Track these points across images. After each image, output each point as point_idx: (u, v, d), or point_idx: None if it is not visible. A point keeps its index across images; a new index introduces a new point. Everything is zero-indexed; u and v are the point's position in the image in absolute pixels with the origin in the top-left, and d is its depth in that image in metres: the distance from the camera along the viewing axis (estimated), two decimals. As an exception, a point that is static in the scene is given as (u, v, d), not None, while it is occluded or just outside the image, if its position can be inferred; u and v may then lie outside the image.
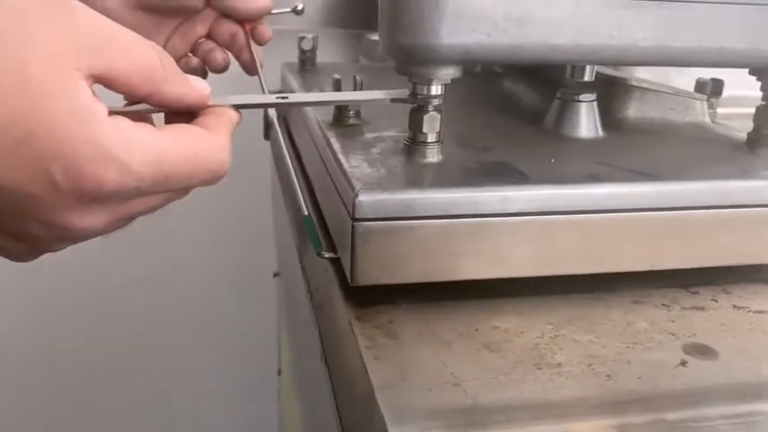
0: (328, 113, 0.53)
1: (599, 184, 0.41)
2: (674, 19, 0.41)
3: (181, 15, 0.55)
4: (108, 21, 0.29)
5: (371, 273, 0.39)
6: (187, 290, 1.28)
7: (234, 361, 1.34)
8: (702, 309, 0.42)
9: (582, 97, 0.49)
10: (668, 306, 0.43)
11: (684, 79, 0.72)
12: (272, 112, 0.59)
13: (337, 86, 0.50)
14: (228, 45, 0.58)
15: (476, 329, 0.39)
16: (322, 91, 0.67)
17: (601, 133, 0.50)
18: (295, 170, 0.54)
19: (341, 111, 0.51)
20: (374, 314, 0.40)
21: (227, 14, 0.56)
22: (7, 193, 0.27)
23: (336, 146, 0.46)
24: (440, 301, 0.41)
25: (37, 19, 0.26)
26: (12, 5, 0.26)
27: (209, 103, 0.35)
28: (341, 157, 0.44)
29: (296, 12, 0.64)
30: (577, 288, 0.43)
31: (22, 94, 0.25)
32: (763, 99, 0.48)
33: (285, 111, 0.76)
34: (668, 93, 0.54)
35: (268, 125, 0.88)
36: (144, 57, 0.30)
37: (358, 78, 0.50)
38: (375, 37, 0.94)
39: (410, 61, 0.40)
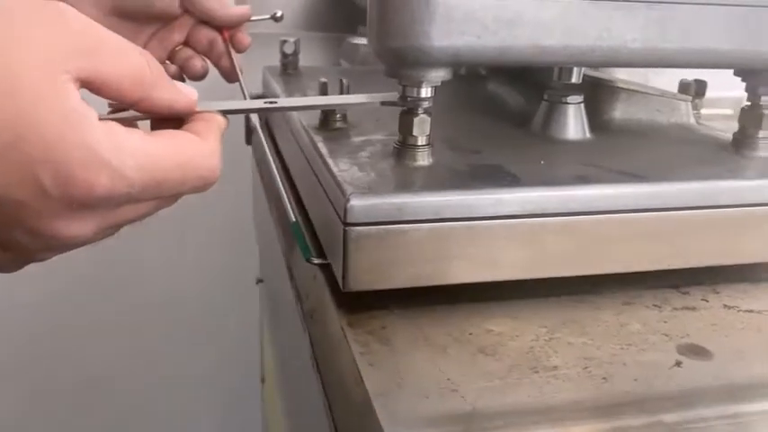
0: (314, 117, 0.52)
1: (590, 186, 0.41)
2: (663, 20, 0.41)
3: (158, 22, 0.54)
4: (97, 24, 0.28)
5: (364, 278, 0.39)
6: (167, 297, 1.26)
7: (216, 369, 1.32)
8: (694, 309, 0.42)
9: (569, 99, 0.49)
10: (660, 307, 0.43)
11: (662, 80, 0.72)
12: (255, 118, 0.58)
13: (323, 90, 0.50)
14: (207, 52, 0.57)
15: (470, 333, 0.39)
16: (305, 95, 0.66)
17: (588, 135, 0.50)
18: (280, 175, 0.53)
19: (327, 114, 0.51)
20: (367, 320, 0.39)
21: (204, 21, 0.56)
22: None
23: (324, 150, 0.45)
24: (432, 306, 0.41)
25: (25, 21, 0.25)
26: None
27: (197, 108, 0.34)
28: (329, 161, 0.43)
29: (275, 18, 0.63)
30: (568, 290, 0.43)
31: (10, 97, 0.25)
32: (748, 100, 0.48)
33: (268, 115, 0.75)
34: (654, 94, 0.54)
35: (250, 130, 0.88)
36: (133, 61, 0.29)
37: (344, 81, 0.50)
38: (356, 40, 0.93)
39: (400, 64, 0.40)
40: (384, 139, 0.47)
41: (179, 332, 1.29)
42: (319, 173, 0.44)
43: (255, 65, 0.77)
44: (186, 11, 0.55)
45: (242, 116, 0.76)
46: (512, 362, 0.36)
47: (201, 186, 0.32)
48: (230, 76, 0.58)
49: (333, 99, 0.45)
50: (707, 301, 0.44)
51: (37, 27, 0.26)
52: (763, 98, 0.47)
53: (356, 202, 0.37)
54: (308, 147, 0.48)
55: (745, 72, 0.47)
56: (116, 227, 0.31)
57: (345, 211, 0.37)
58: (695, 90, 0.58)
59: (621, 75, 0.67)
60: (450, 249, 0.39)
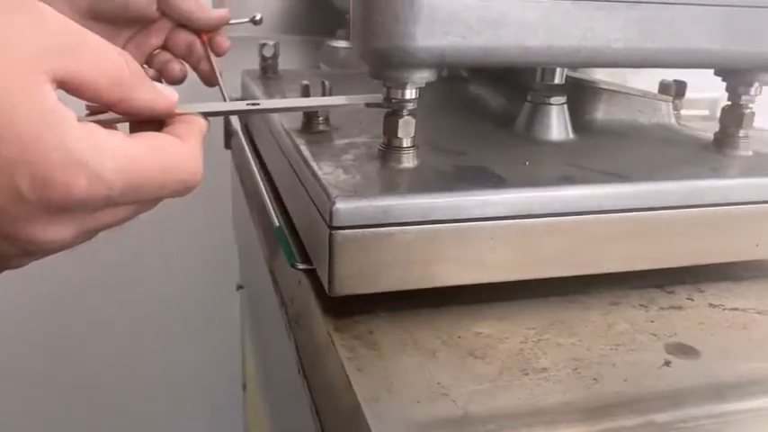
0: (295, 120, 0.52)
1: (575, 187, 0.40)
2: (645, 20, 0.41)
3: (135, 25, 0.53)
4: (75, 24, 0.27)
5: (350, 282, 0.38)
6: (146, 304, 1.24)
7: (197, 376, 1.31)
8: (680, 308, 0.43)
9: (553, 100, 0.49)
10: (646, 306, 0.43)
11: (639, 81, 0.73)
12: (236, 121, 0.57)
13: (306, 92, 0.49)
14: (185, 56, 0.56)
15: (458, 336, 0.38)
16: (284, 98, 0.65)
17: (571, 136, 0.50)
18: (262, 180, 0.53)
19: (310, 117, 0.50)
20: (353, 324, 0.39)
21: (183, 25, 0.55)
22: None
23: (307, 153, 0.45)
24: (419, 309, 0.41)
25: (1, 20, 0.25)
26: None
27: (177, 110, 0.34)
28: (313, 164, 0.42)
29: (254, 22, 0.62)
30: (554, 291, 0.43)
31: None
32: (728, 99, 0.49)
33: (247, 119, 0.74)
34: (635, 95, 0.55)
35: (229, 134, 0.87)
36: (112, 62, 0.29)
37: (326, 84, 0.49)
38: (335, 43, 0.93)
39: (385, 65, 0.39)
40: (368, 142, 0.47)
41: (158, 339, 1.27)
42: (303, 176, 0.44)
43: (233, 68, 0.76)
44: (164, 14, 0.54)
45: (220, 119, 0.75)
46: (501, 364, 0.36)
47: (182, 190, 0.31)
48: (209, 79, 0.57)
49: (316, 101, 0.44)
50: (692, 300, 0.44)
51: (13, 26, 0.25)
52: (743, 97, 0.47)
53: (342, 206, 0.37)
54: (291, 150, 0.48)
55: (726, 72, 0.48)
56: (94, 231, 0.30)
57: (331, 214, 0.37)
58: (675, 90, 0.59)
59: (600, 75, 0.67)
60: (437, 252, 0.38)
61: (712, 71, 0.48)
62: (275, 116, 0.55)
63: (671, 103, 0.56)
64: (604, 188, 0.41)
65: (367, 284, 0.38)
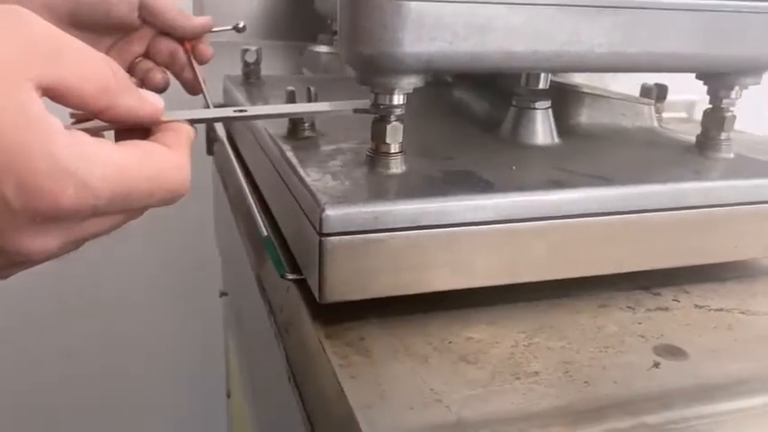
0: (281, 127, 0.51)
1: (563, 191, 0.41)
2: (628, 25, 0.41)
3: (116, 33, 0.53)
4: (59, 30, 0.27)
5: (340, 289, 0.38)
6: (128, 312, 1.23)
7: (180, 384, 1.30)
8: (666, 309, 0.43)
9: (537, 105, 0.50)
10: (633, 308, 0.43)
11: (618, 85, 0.74)
12: (220, 128, 0.57)
13: (291, 98, 0.49)
14: (168, 64, 0.56)
15: (449, 342, 0.38)
16: (267, 104, 0.65)
17: (556, 140, 0.51)
18: (248, 187, 0.52)
19: (295, 123, 0.50)
20: (344, 331, 0.39)
21: (165, 33, 0.55)
22: None
23: (294, 159, 0.45)
24: (409, 315, 0.41)
25: None
26: None
27: (163, 118, 0.33)
28: (301, 170, 0.42)
29: (237, 29, 0.62)
30: (542, 294, 0.43)
31: None
32: (710, 102, 0.49)
33: (230, 125, 0.74)
34: (618, 99, 0.55)
35: (211, 141, 0.86)
36: (98, 68, 0.28)
37: (312, 90, 0.49)
38: (318, 48, 0.93)
39: (372, 71, 0.39)
40: (355, 148, 0.47)
41: (140, 348, 1.25)
42: (290, 183, 0.44)
43: (214, 74, 0.76)
44: (145, 22, 0.53)
45: (202, 127, 0.75)
46: (493, 369, 0.36)
47: (170, 199, 0.31)
48: (193, 87, 0.57)
49: (304, 107, 0.44)
50: (678, 302, 0.44)
51: None
52: (724, 101, 0.48)
53: (331, 212, 0.37)
54: (277, 157, 0.47)
55: (707, 75, 0.48)
56: (81, 241, 0.30)
57: (321, 221, 0.37)
58: (656, 94, 0.59)
59: (579, 79, 0.68)
60: (427, 257, 0.38)
61: (690, 74, 0.49)
62: (259, 122, 0.55)
63: (653, 107, 0.56)
64: (591, 191, 0.41)
65: (357, 291, 0.38)
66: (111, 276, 1.20)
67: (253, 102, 0.66)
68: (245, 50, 0.73)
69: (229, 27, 0.60)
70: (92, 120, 0.31)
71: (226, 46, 0.71)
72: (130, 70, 0.55)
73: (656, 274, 0.45)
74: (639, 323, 0.41)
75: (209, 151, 0.86)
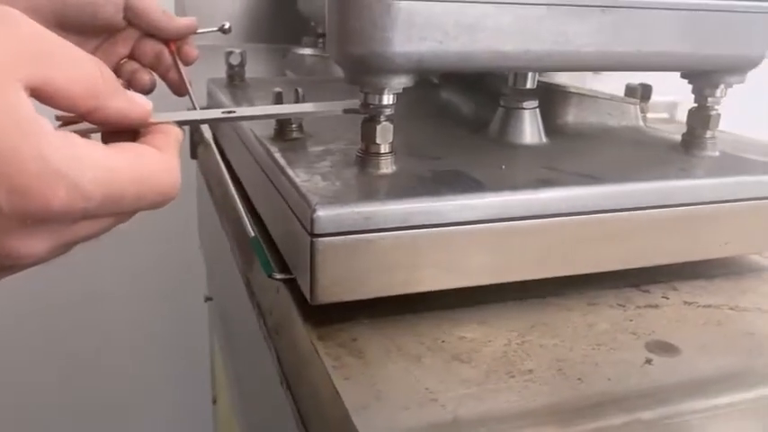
0: (267, 128, 0.51)
1: (553, 189, 0.41)
2: (616, 25, 0.42)
3: (101, 35, 0.52)
4: (47, 31, 0.27)
5: (332, 290, 0.38)
6: (111, 318, 1.22)
7: (165, 391, 1.28)
8: (656, 306, 0.43)
9: (525, 104, 0.50)
10: (624, 306, 0.43)
11: (600, 85, 0.74)
12: (207, 130, 0.57)
13: (279, 100, 0.49)
14: (153, 65, 0.55)
15: (442, 341, 0.38)
16: (253, 106, 0.65)
17: (544, 139, 0.51)
18: (235, 189, 0.52)
19: (283, 125, 0.50)
20: (336, 333, 0.39)
21: (150, 34, 0.54)
22: None
23: (283, 161, 0.44)
24: (400, 315, 0.40)
25: None
26: None
27: (151, 120, 0.33)
28: (290, 171, 0.42)
29: (223, 31, 0.62)
30: (533, 293, 0.44)
31: None
32: (695, 101, 0.50)
33: (215, 128, 0.73)
34: (604, 98, 0.56)
35: (195, 144, 0.85)
36: (86, 69, 0.28)
37: (300, 91, 0.49)
38: (301, 51, 0.92)
39: (362, 71, 0.39)
40: (344, 148, 0.47)
41: (124, 354, 1.24)
42: (279, 185, 0.43)
43: (197, 77, 0.75)
44: (131, 23, 0.53)
45: (187, 130, 0.74)
46: (487, 367, 0.36)
47: (160, 202, 0.31)
48: (179, 89, 0.56)
49: (293, 108, 0.44)
50: (667, 299, 0.44)
51: None
52: (709, 99, 0.49)
53: (323, 213, 0.36)
54: (265, 158, 0.47)
55: (692, 74, 0.49)
56: (70, 244, 0.29)
57: (312, 221, 0.36)
58: (641, 94, 0.60)
59: (563, 79, 0.68)
60: (419, 257, 0.38)
61: (671, 74, 0.50)
62: (245, 124, 0.55)
63: (638, 106, 0.57)
64: (581, 190, 0.42)
65: (349, 292, 0.38)
66: (93, 283, 1.19)
67: (238, 104, 0.66)
68: (230, 53, 0.73)
69: (215, 28, 0.60)
70: (78, 122, 0.31)
71: (208, 49, 0.71)
72: (116, 72, 0.54)
73: (645, 272, 0.46)
74: (630, 320, 0.41)
75: (193, 155, 0.85)
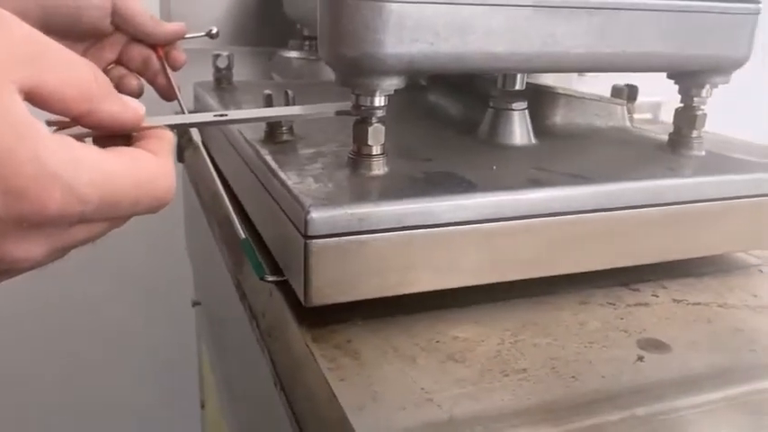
0: (257, 131, 0.51)
1: (544, 189, 0.41)
2: (604, 26, 0.42)
3: (88, 40, 0.52)
4: (40, 33, 0.26)
5: (326, 291, 0.38)
6: (98, 325, 1.21)
7: (152, 395, 1.27)
8: (646, 305, 0.44)
9: (514, 106, 0.50)
10: (614, 304, 0.44)
11: (585, 86, 0.75)
12: (196, 134, 0.56)
13: (269, 102, 0.49)
14: (141, 70, 0.55)
15: (437, 341, 0.38)
16: (241, 109, 0.65)
17: (533, 140, 0.51)
18: (225, 193, 0.52)
19: (273, 127, 0.50)
20: (330, 334, 0.39)
21: (138, 39, 0.54)
22: None
23: (274, 164, 0.44)
24: (394, 316, 0.41)
25: None
26: None
27: (143, 124, 0.33)
28: (282, 174, 0.42)
29: (210, 36, 0.62)
30: (524, 293, 0.44)
31: None
32: (681, 101, 0.50)
33: (203, 131, 0.73)
34: (592, 99, 0.56)
35: (182, 147, 0.85)
36: (80, 71, 0.28)
37: (290, 93, 0.49)
38: (288, 54, 0.92)
39: (354, 72, 0.39)
40: (336, 150, 0.47)
41: (111, 360, 1.23)
42: (271, 187, 0.43)
43: (181, 82, 0.75)
44: (118, 28, 0.53)
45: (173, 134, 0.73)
46: (482, 367, 0.36)
47: (156, 207, 0.30)
48: (167, 93, 0.56)
49: (286, 110, 0.44)
50: (657, 297, 0.45)
51: None
52: (695, 99, 0.49)
53: (316, 214, 0.36)
54: (256, 161, 0.47)
55: (679, 75, 0.49)
56: (66, 249, 0.29)
57: (306, 223, 0.36)
58: (627, 94, 0.61)
59: (547, 80, 0.69)
60: (412, 257, 0.38)
61: (655, 76, 0.50)
62: (235, 128, 0.54)
63: (625, 107, 0.57)
64: (571, 190, 0.42)
65: (343, 293, 0.38)
66: (78, 291, 1.18)
67: (226, 107, 0.65)
68: (217, 56, 0.72)
69: (202, 33, 0.60)
70: (69, 127, 0.31)
71: (194, 52, 0.70)
72: None
73: (635, 271, 0.46)
74: (621, 318, 0.42)
75: (180, 158, 0.84)
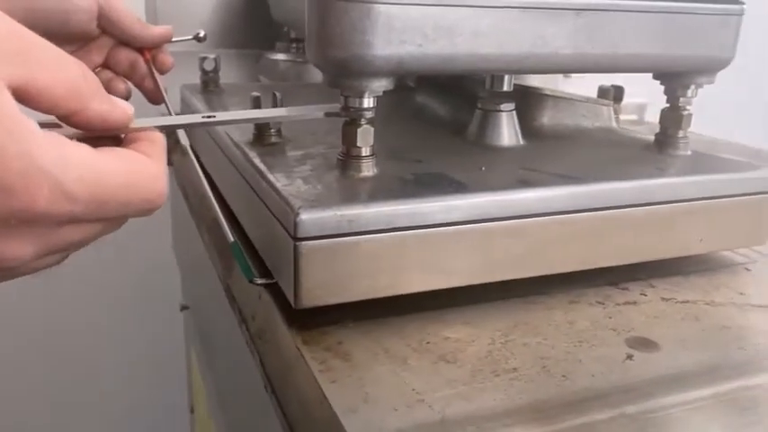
0: (245, 133, 0.51)
1: (533, 189, 0.41)
2: (590, 27, 0.43)
3: (74, 43, 0.52)
4: (27, 30, 0.26)
5: (317, 293, 0.38)
6: (85, 330, 1.19)
7: (141, 400, 1.26)
8: (635, 303, 0.44)
9: (502, 107, 0.50)
10: (603, 303, 0.44)
11: (571, 87, 0.76)
12: (183, 136, 0.56)
13: (257, 104, 0.49)
14: (128, 73, 0.55)
15: (427, 342, 0.38)
16: (228, 111, 0.64)
17: (521, 141, 0.52)
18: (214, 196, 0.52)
19: (261, 129, 0.50)
20: (321, 336, 0.38)
21: (125, 42, 0.54)
22: None
23: (263, 166, 0.44)
24: (385, 317, 0.40)
25: None
26: None
27: (133, 125, 0.32)
28: (271, 176, 0.42)
29: (198, 39, 0.62)
30: (514, 293, 0.44)
31: None
32: (667, 102, 0.51)
33: (191, 134, 0.72)
34: (579, 100, 0.57)
35: (169, 150, 0.84)
36: (70, 69, 0.27)
37: (278, 95, 0.49)
38: (274, 56, 0.92)
39: (342, 74, 0.39)
40: (324, 152, 0.47)
41: (98, 366, 1.22)
42: (260, 189, 0.43)
43: (169, 84, 0.74)
44: (104, 31, 0.52)
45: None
46: (473, 367, 0.36)
47: (147, 210, 0.30)
48: (154, 97, 0.56)
49: (275, 112, 0.44)
50: (645, 296, 0.45)
51: None
52: (681, 99, 0.50)
53: (306, 216, 0.36)
54: (244, 163, 0.47)
55: (665, 75, 0.50)
56: (57, 250, 0.29)
57: (295, 225, 0.36)
58: (613, 95, 0.61)
59: (534, 82, 0.69)
60: (403, 259, 0.38)
61: (640, 77, 0.51)
62: (222, 130, 0.54)
63: (611, 108, 0.58)
64: (560, 190, 0.42)
65: (334, 295, 0.38)
66: (64, 296, 1.17)
67: (214, 110, 0.65)
68: (204, 58, 0.72)
69: (190, 37, 0.60)
70: (57, 128, 0.30)
71: (180, 55, 0.70)
72: None
73: (623, 270, 0.47)
74: (610, 317, 0.42)
75: (168, 162, 0.84)
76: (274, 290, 0.42)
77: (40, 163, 0.24)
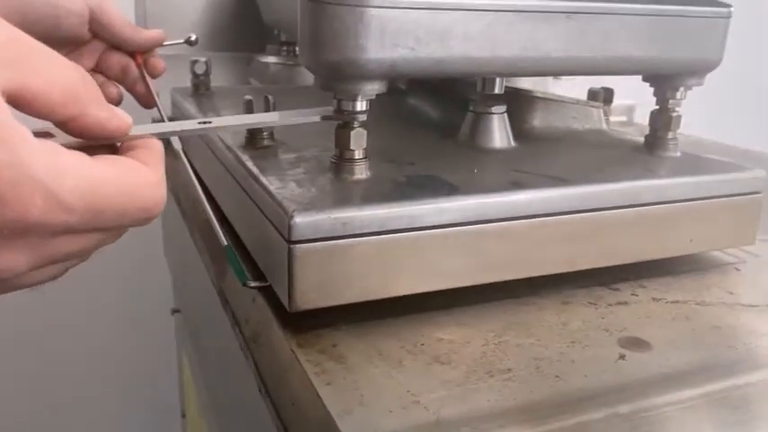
0: (237, 137, 0.51)
1: (525, 191, 0.42)
2: (581, 30, 0.43)
3: (66, 47, 0.51)
4: (24, 34, 0.26)
5: (311, 296, 0.38)
6: (76, 334, 1.19)
7: (132, 405, 1.26)
8: (626, 304, 0.44)
9: (494, 109, 0.51)
10: (595, 304, 0.44)
11: (560, 89, 0.76)
12: (176, 141, 0.56)
13: (249, 108, 0.49)
14: (119, 78, 0.55)
15: (422, 344, 0.38)
16: (219, 115, 0.64)
17: (513, 143, 0.52)
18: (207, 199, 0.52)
19: (254, 133, 0.50)
20: (315, 339, 0.39)
21: (116, 47, 0.53)
22: None
23: (256, 169, 0.44)
24: (379, 319, 0.41)
25: None
26: None
27: (130, 133, 0.32)
28: (264, 179, 0.42)
29: (189, 43, 0.62)
30: (506, 294, 0.44)
31: None
32: (657, 104, 0.51)
33: (183, 138, 0.72)
34: (569, 102, 0.57)
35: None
36: (67, 74, 0.27)
37: (271, 99, 0.49)
38: (265, 59, 0.92)
39: (336, 77, 0.39)
40: (317, 155, 0.47)
41: (89, 370, 1.21)
42: (253, 193, 0.43)
43: (159, 87, 0.74)
44: (96, 35, 0.52)
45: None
46: (467, 368, 0.36)
47: (144, 219, 0.29)
48: (146, 101, 0.56)
49: (271, 116, 0.44)
50: (636, 296, 0.46)
51: None
52: (670, 101, 0.50)
53: (300, 219, 0.36)
54: (237, 167, 0.47)
55: (654, 77, 0.50)
56: (53, 262, 0.28)
57: (289, 228, 0.36)
58: (603, 97, 0.61)
59: (525, 84, 0.69)
60: (396, 261, 0.39)
61: (628, 79, 0.51)
62: (213, 133, 0.54)
63: (601, 110, 0.58)
64: (552, 192, 0.42)
65: (328, 298, 0.38)
66: (55, 300, 1.16)
67: (205, 113, 0.65)
68: (195, 62, 0.72)
69: (181, 40, 0.60)
70: (51, 137, 0.30)
71: (171, 58, 0.70)
72: None
73: (614, 270, 0.47)
74: (602, 318, 0.42)
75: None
76: (268, 293, 0.42)
77: (32, 172, 0.24)
